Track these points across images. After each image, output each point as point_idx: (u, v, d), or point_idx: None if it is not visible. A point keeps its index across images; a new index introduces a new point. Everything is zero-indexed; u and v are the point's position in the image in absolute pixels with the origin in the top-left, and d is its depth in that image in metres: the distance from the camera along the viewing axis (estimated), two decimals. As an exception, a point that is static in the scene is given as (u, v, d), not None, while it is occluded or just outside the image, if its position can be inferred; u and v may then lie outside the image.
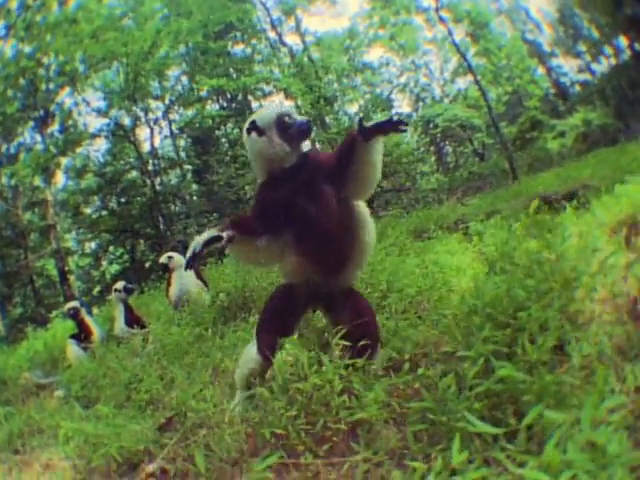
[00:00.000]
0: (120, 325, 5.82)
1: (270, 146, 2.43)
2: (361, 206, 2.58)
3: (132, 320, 5.85)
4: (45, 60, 20.17)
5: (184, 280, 5.64)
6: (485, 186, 20.39)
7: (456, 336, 2.13)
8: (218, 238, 2.38)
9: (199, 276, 5.81)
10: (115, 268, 22.32)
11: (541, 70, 34.08)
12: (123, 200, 21.66)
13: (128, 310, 5.97)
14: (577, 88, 33.47)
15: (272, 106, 2.61)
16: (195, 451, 1.91)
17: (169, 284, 5.91)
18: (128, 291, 6.12)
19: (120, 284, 6.18)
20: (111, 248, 21.98)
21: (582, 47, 31.43)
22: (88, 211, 22.54)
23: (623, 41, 26.34)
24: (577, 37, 31.88)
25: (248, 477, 1.71)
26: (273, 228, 2.48)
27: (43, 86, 20.35)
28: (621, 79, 26.47)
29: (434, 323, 2.82)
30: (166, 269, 6.05)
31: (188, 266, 2.42)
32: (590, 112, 25.37)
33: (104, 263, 22.93)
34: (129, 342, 5.16)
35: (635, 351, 1.93)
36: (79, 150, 22.49)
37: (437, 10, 25.97)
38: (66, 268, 19.88)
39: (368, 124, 2.37)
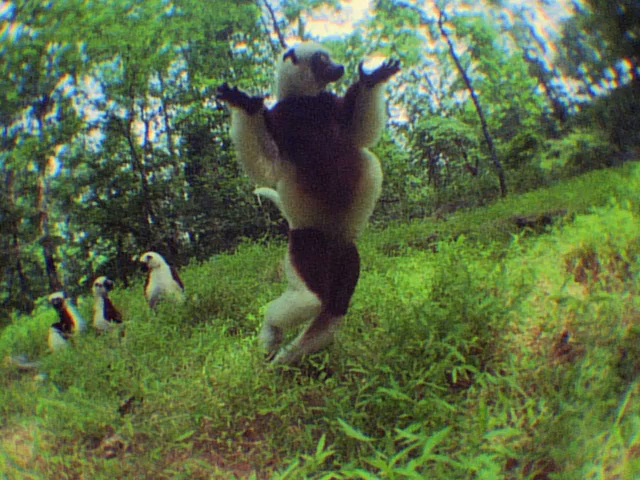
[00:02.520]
0: (99, 318, 6.25)
1: (300, 75, 2.62)
2: (366, 150, 2.76)
3: (111, 314, 6.30)
4: (49, 47, 20.45)
5: (161, 280, 6.03)
6: (472, 202, 20.74)
7: (367, 354, 2.59)
8: (252, 100, 2.41)
9: (175, 277, 6.22)
10: (102, 259, 22.54)
11: (541, 89, 34.54)
12: (114, 193, 21.93)
13: (107, 304, 6.40)
14: (576, 109, 33.97)
15: (314, 43, 2.93)
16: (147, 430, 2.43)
17: (147, 282, 6.28)
18: (108, 286, 6.58)
19: (101, 279, 6.64)
20: (99, 240, 22.23)
21: (584, 69, 31.56)
22: (79, 201, 22.77)
23: (625, 65, 26.39)
24: (580, 58, 32.05)
25: (178, 452, 2.21)
26: (277, 145, 2.61)
27: (45, 72, 20.60)
28: (620, 103, 26.58)
29: (367, 339, 3.04)
30: (145, 268, 6.39)
31: (222, 91, 2.40)
32: (586, 134, 25.54)
33: (92, 254, 23.14)
34: (107, 334, 5.63)
35: (550, 385, 2.03)
36: (75, 139, 22.80)
37: (440, 23, 26.43)
38: (54, 256, 20.25)
39: (369, 72, 2.56)
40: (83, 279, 21.74)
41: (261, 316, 3.50)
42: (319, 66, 2.61)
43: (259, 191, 3.64)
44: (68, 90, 22.63)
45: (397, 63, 2.61)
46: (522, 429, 1.80)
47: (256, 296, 4.89)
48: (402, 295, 4.03)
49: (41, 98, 21.14)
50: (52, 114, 22.23)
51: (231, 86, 2.37)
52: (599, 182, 10.52)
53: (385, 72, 2.59)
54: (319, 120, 2.64)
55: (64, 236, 24.00)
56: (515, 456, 1.65)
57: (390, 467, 1.48)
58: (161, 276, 6.09)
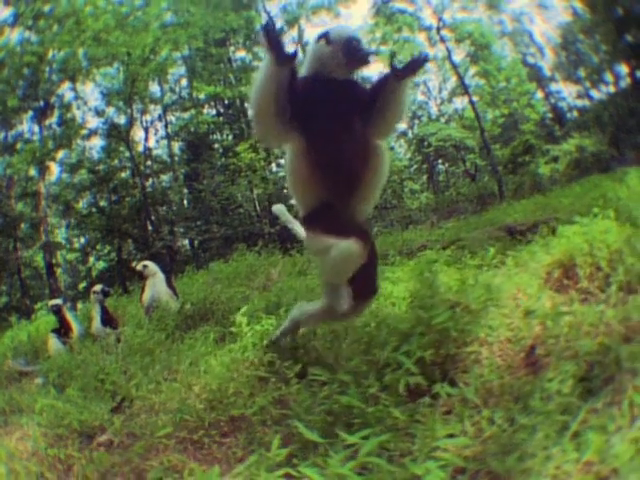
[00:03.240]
0: (97, 324, 6.53)
1: (331, 56, 2.64)
2: (379, 142, 2.80)
3: (108, 320, 6.58)
4: (50, 53, 20.71)
5: (156, 288, 6.32)
6: (470, 209, 20.92)
7: (333, 363, 2.83)
8: (285, 54, 2.43)
9: (170, 285, 6.52)
10: (102, 265, 22.85)
11: (540, 94, 34.74)
12: (114, 199, 22.20)
13: (104, 311, 6.68)
14: (575, 114, 34.15)
15: (348, 27, 2.97)
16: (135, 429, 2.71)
17: (142, 290, 6.56)
18: (105, 294, 6.87)
19: (98, 287, 6.93)
20: (99, 245, 22.53)
21: (582, 73, 31.57)
22: (79, 207, 23.04)
23: (624, 68, 26.59)
24: (578, 63, 32.02)
25: (160, 447, 2.49)
26: (291, 113, 2.59)
27: (45, 77, 20.89)
28: (619, 106, 26.68)
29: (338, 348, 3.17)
30: (141, 276, 6.68)
31: (266, 30, 2.42)
32: (585, 138, 25.57)
33: (91, 259, 23.46)
34: (103, 340, 5.91)
35: (510, 397, 2.06)
36: (75, 144, 23.14)
37: (438, 29, 26.77)
38: (54, 261, 20.55)
39: (399, 65, 2.64)
40: (83, 284, 22.15)
41: (239, 325, 3.63)
42: (351, 50, 2.63)
43: (276, 208, 3.74)
44: (68, 96, 23.08)
45: (426, 56, 2.73)
46: (474, 439, 1.84)
47: (245, 304, 5.14)
48: (384, 305, 4.03)
49: (42, 103, 21.43)
50: (52, 119, 22.62)
51: (276, 28, 2.45)
52: (593, 189, 10.44)
53: (414, 65, 2.68)
54: (339, 102, 2.67)
55: (64, 241, 24.23)
56: (463, 464, 1.70)
57: (333, 466, 1.64)
58: (156, 284, 6.37)
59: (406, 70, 2.65)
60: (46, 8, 20.55)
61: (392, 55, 3.30)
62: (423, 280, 3.34)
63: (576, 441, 1.56)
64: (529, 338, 2.46)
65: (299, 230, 3.35)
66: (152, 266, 6.65)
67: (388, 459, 1.80)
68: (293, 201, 2.98)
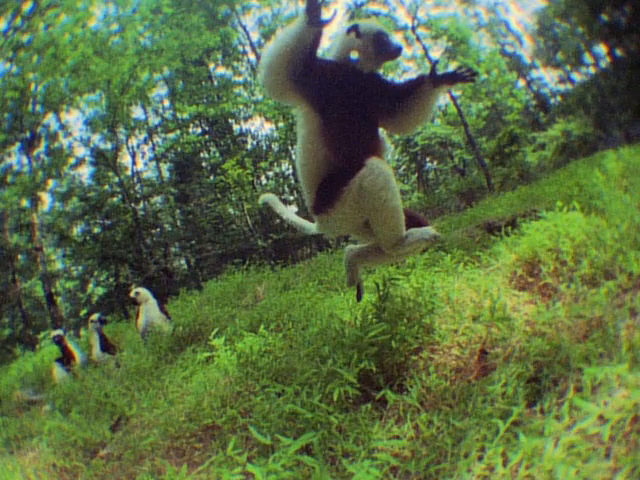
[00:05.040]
0: (96, 351, 7.05)
1: (361, 49, 2.69)
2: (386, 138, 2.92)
3: (106, 347, 7.10)
4: (32, 86, 21.03)
5: (149, 313, 6.78)
6: (461, 204, 20.83)
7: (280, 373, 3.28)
8: (318, 19, 2.45)
9: (163, 310, 7.00)
10: (101, 291, 23.19)
11: (522, 82, 35.18)
12: (107, 224, 22.58)
13: (103, 338, 7.20)
14: (559, 99, 34.54)
15: (377, 22, 2.93)
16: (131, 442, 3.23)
17: (137, 316, 7.04)
18: (102, 322, 7.39)
19: (95, 316, 7.45)
20: (96, 272, 22.91)
21: (562, 57, 31.81)
22: (73, 235, 23.39)
23: (602, 49, 26.39)
24: (557, 47, 32.40)
25: (147, 455, 3.00)
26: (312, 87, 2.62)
27: (30, 108, 21.05)
28: (601, 87, 26.57)
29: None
30: (135, 302, 7.16)
31: (310, 9, 2.43)
32: (570, 122, 26.09)
33: (90, 286, 23.86)
34: (104, 365, 6.43)
35: (453, 401, 2.17)
36: (64, 172, 23.40)
37: (414, 29, 27.18)
38: (53, 290, 20.88)
39: (441, 73, 2.74)
40: (84, 311, 22.43)
41: (216, 348, 3.98)
42: (381, 43, 2.70)
43: (264, 197, 3.65)
44: (54, 125, 23.36)
45: (473, 74, 2.80)
46: (412, 440, 2.00)
47: (231, 323, 5.56)
48: (352, 316, 3.91)
49: (28, 135, 21.64)
50: (40, 149, 22.79)
51: None
52: (572, 176, 10.30)
53: (455, 77, 2.77)
54: (361, 92, 2.70)
55: (62, 270, 24.67)
56: (397, 464, 1.85)
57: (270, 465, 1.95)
58: (149, 310, 6.84)
59: (445, 78, 2.77)
60: (25, 38, 20.84)
61: (435, 62, 3.37)
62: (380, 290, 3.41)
63: (511, 444, 1.64)
64: (479, 342, 2.58)
65: (294, 218, 3.43)
66: (144, 292, 7.09)
67: (331, 460, 2.08)
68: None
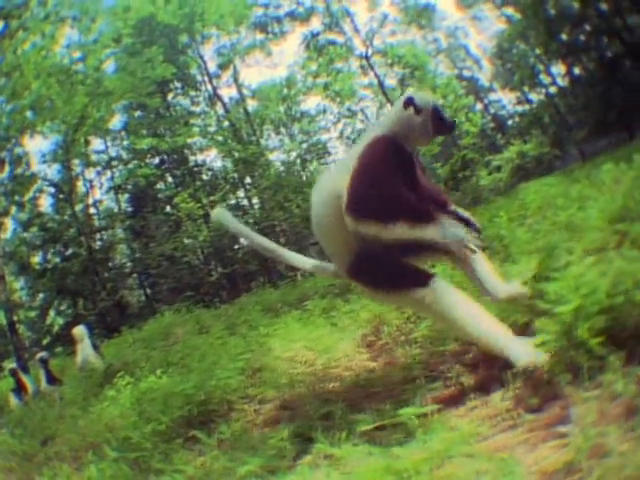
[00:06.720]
0: (43, 384, 8.49)
1: (422, 127, 2.58)
2: None
3: (52, 380, 8.51)
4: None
5: (85, 351, 8.13)
6: None
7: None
8: None
9: (96, 348, 8.45)
10: (61, 321, 24.12)
11: (479, 106, 36.99)
12: (66, 255, 23.49)
13: (49, 372, 8.64)
14: (517, 120, 35.88)
15: (429, 92, 3.17)
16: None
17: (75, 353, 8.45)
18: (43, 361, 8.70)
19: (40, 355, 8.89)
20: (56, 301, 23.86)
21: (519, 78, 33.13)
22: (34, 263, 24.42)
23: (560, 68, 28.29)
24: (515, 69, 33.90)
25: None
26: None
27: None
28: (558, 106, 28.30)
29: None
30: (73, 340, 8.50)
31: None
32: (525, 144, 27.43)
33: (51, 314, 24.64)
34: (49, 396, 8.07)
35: (244, 445, 2.56)
36: (27, 198, 24.53)
37: (367, 58, 28.85)
38: (15, 318, 22.08)
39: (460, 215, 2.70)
40: (46, 340, 23.42)
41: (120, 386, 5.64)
42: (439, 118, 2.63)
43: (214, 213, 3.50)
44: (18, 150, 24.27)
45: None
46: (201, 468, 2.52)
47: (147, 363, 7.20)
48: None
49: (-8, 160, 22.44)
50: (3, 175, 23.72)
51: None
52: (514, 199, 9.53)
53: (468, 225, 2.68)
54: (414, 177, 2.65)
55: (25, 298, 25.65)
56: None
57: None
58: (84, 348, 8.18)
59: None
60: (-9, 62, 21.66)
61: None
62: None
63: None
64: (278, 399, 3.19)
65: (252, 236, 3.29)
66: (79, 332, 8.33)
67: (146, 472, 2.78)
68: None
